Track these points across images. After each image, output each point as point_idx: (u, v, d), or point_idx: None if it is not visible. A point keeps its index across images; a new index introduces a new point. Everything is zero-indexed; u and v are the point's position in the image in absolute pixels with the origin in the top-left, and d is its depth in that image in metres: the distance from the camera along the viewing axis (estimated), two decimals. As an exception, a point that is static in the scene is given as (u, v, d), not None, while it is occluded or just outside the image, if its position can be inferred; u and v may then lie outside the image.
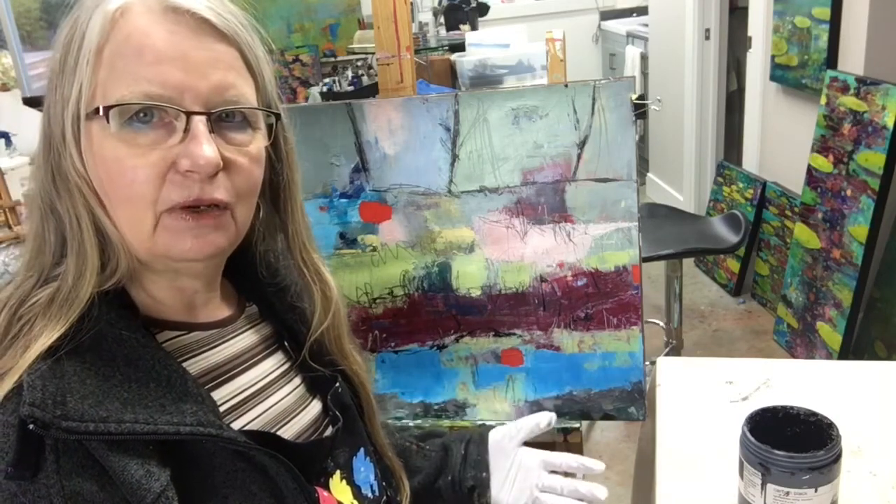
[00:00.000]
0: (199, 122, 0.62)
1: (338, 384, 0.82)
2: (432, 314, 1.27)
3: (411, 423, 1.33)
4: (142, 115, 0.62)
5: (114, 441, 0.58)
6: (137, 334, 0.64)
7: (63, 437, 0.56)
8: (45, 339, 0.60)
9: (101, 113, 0.61)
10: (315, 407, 0.81)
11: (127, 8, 0.63)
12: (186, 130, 0.62)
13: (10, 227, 1.84)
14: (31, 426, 0.55)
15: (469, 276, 1.24)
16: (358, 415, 0.84)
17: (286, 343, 0.81)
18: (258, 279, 0.80)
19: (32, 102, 2.78)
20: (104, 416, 0.58)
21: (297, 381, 0.81)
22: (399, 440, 1.03)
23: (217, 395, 0.70)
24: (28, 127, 2.56)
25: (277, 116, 0.71)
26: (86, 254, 0.63)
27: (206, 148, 0.62)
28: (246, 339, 0.77)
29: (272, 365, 0.79)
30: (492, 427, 1.07)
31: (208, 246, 0.65)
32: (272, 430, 0.73)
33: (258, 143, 0.68)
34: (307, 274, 0.78)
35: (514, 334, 1.26)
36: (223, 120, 0.65)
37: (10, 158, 2.34)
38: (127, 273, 0.67)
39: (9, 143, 2.45)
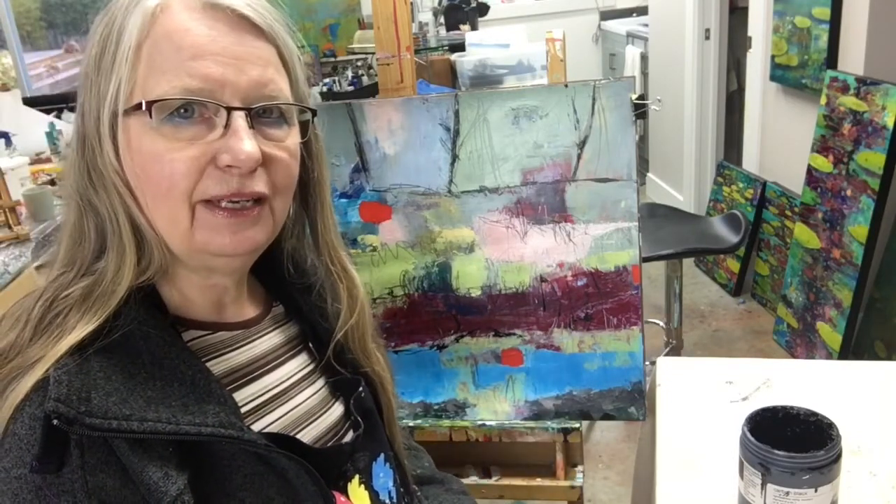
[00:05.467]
0: (239, 118, 0.63)
1: (361, 388, 0.81)
2: (432, 314, 1.27)
3: (411, 423, 1.34)
4: (182, 110, 0.62)
5: (135, 440, 0.58)
6: (164, 333, 0.64)
7: (87, 434, 0.57)
8: (79, 332, 0.60)
9: (143, 108, 0.61)
10: (337, 410, 0.80)
11: (166, 4, 0.63)
12: (227, 126, 0.62)
13: (10, 227, 1.84)
14: (55, 421, 0.56)
15: (469, 276, 1.24)
16: (379, 419, 0.83)
17: (311, 344, 0.81)
18: (285, 278, 0.80)
19: (32, 102, 2.78)
20: (127, 413, 0.58)
21: (321, 383, 0.80)
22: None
23: (239, 396, 0.70)
24: (28, 127, 2.56)
25: (313, 113, 0.72)
26: (125, 249, 0.64)
27: (247, 143, 0.62)
28: (271, 340, 0.77)
29: (296, 366, 0.78)
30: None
31: (246, 241, 0.65)
32: (292, 433, 0.73)
33: (293, 138, 0.69)
34: (334, 272, 0.78)
35: (514, 334, 1.26)
36: (261, 116, 0.65)
37: (10, 158, 2.33)
38: (160, 270, 0.67)
39: (9, 143, 2.45)
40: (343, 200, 1.24)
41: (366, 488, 0.76)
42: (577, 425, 1.31)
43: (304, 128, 0.71)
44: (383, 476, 0.80)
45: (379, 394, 0.84)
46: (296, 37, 0.71)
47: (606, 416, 1.29)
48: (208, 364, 0.68)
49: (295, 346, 0.80)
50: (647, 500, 1.11)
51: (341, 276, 0.79)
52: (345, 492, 0.74)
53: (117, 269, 0.63)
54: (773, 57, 2.99)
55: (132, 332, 0.62)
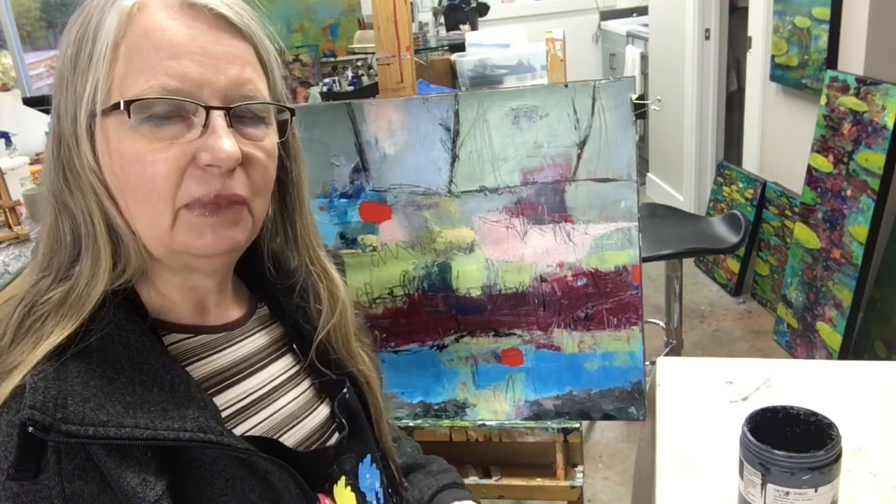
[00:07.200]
0: (219, 117, 0.62)
1: (345, 390, 0.81)
2: (432, 314, 1.27)
3: (411, 423, 1.34)
4: (161, 109, 0.62)
5: (113, 446, 0.58)
6: (143, 338, 0.64)
7: (63, 441, 0.56)
8: (55, 337, 0.60)
9: (121, 108, 0.60)
10: (322, 412, 0.80)
11: (143, 3, 0.63)
12: (206, 125, 0.62)
13: (10, 227, 1.84)
14: (30, 429, 0.55)
15: (469, 276, 1.24)
16: (366, 419, 0.83)
17: (295, 345, 0.81)
18: (267, 279, 0.80)
19: (32, 102, 2.78)
20: (104, 420, 0.57)
21: (306, 384, 0.80)
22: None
23: (221, 399, 0.69)
24: (28, 127, 2.56)
25: (292, 113, 0.72)
26: (99, 253, 0.63)
27: (227, 142, 0.62)
28: (255, 342, 0.77)
29: (280, 368, 0.78)
30: (460, 486, 0.99)
31: (227, 241, 0.65)
32: (275, 436, 0.73)
33: (271, 138, 0.69)
34: (314, 272, 0.78)
35: (515, 334, 1.26)
36: (239, 115, 0.65)
37: (10, 158, 2.33)
38: (138, 272, 0.66)
39: (9, 143, 2.45)
40: (343, 200, 1.24)
41: (352, 490, 0.76)
42: (577, 425, 1.31)
43: (283, 127, 0.71)
44: (370, 477, 0.80)
45: (365, 394, 0.84)
46: (273, 37, 0.71)
47: (606, 416, 1.29)
48: (190, 368, 0.68)
49: (280, 348, 0.79)
50: (647, 500, 1.11)
51: (321, 276, 0.79)
52: (331, 494, 0.73)
53: (92, 273, 0.63)
54: (773, 57, 2.99)
55: (111, 336, 0.62)
